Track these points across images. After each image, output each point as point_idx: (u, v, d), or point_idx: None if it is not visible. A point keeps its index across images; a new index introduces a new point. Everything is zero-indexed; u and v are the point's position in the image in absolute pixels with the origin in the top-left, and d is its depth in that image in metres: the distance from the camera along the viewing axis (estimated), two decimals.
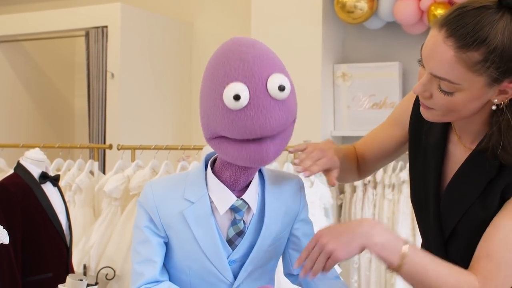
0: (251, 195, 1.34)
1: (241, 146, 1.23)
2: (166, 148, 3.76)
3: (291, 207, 1.39)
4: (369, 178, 3.74)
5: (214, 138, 1.26)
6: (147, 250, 1.34)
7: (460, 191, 1.42)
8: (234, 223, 1.34)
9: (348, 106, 4.09)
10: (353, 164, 1.71)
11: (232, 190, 1.33)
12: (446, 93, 1.29)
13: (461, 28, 1.23)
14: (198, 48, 5.29)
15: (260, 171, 1.39)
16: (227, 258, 1.35)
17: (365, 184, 3.84)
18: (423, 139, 1.52)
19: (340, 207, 4.05)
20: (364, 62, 4.16)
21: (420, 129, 1.54)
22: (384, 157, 1.72)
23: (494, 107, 1.32)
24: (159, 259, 1.34)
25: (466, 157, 1.42)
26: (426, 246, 1.55)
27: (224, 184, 1.33)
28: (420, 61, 1.35)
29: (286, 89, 1.20)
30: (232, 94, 1.17)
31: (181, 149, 3.76)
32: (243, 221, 1.34)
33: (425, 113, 1.39)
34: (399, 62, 4.01)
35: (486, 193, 1.37)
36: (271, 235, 1.36)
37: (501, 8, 1.23)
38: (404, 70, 4.08)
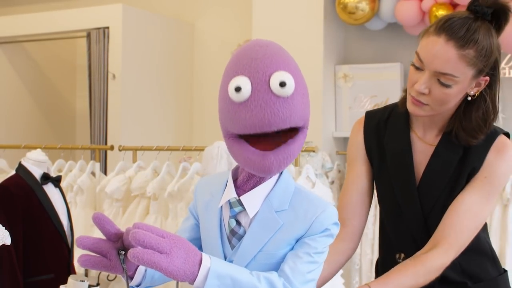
0: (252, 198, 1.34)
1: (247, 154, 1.26)
2: (167, 149, 3.76)
3: (294, 227, 1.31)
4: None
5: (228, 137, 1.30)
6: (183, 225, 1.48)
7: (435, 174, 1.74)
8: (230, 219, 1.36)
9: (350, 107, 4.09)
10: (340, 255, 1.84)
11: (243, 189, 1.35)
12: (446, 86, 1.62)
13: (457, 33, 1.61)
14: (199, 48, 5.29)
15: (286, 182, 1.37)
16: (225, 258, 1.36)
17: None
18: (386, 149, 1.80)
19: None
20: (365, 63, 4.16)
21: (379, 142, 1.82)
22: (366, 198, 1.88)
23: (469, 98, 1.69)
24: (187, 235, 1.46)
25: (434, 148, 1.75)
26: (396, 239, 1.82)
27: (238, 182, 1.36)
28: (413, 64, 1.67)
29: (287, 85, 1.21)
30: (234, 86, 1.23)
31: (183, 150, 3.77)
32: (236, 220, 1.34)
33: (416, 110, 1.69)
34: (400, 63, 4.01)
35: (457, 172, 1.72)
36: (255, 247, 1.32)
37: (477, 18, 1.64)
38: (405, 71, 4.07)
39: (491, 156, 1.71)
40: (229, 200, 1.34)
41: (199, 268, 1.20)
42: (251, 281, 1.22)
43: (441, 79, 1.61)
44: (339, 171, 4.08)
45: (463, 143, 1.71)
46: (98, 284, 2.11)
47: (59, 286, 2.04)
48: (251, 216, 1.33)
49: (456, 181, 1.72)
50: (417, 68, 1.66)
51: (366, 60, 4.20)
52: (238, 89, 1.22)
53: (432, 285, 1.71)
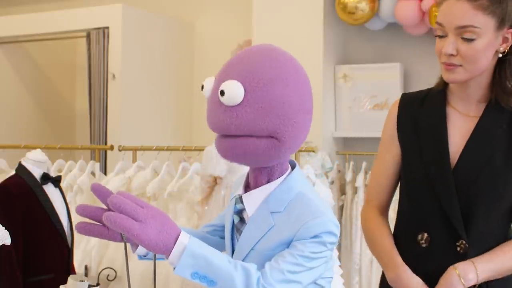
0: (252, 198, 1.37)
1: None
2: (167, 149, 3.76)
3: (284, 229, 1.31)
4: None
5: None
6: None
7: (478, 148, 1.72)
8: (234, 215, 1.41)
9: (350, 107, 4.09)
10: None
11: (250, 187, 1.40)
12: (471, 40, 1.66)
13: None
14: (199, 48, 5.29)
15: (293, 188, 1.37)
16: (233, 251, 1.41)
17: (366, 185, 3.84)
18: (420, 125, 1.80)
19: (341, 208, 4.05)
20: (365, 63, 4.16)
21: (414, 118, 1.82)
22: (392, 178, 1.94)
23: (500, 55, 1.71)
24: (218, 222, 1.57)
25: (477, 119, 1.75)
26: (419, 222, 1.78)
27: (249, 180, 1.41)
28: (436, 34, 1.73)
29: (226, 95, 1.26)
30: (202, 83, 1.34)
31: (182, 150, 3.77)
32: (240, 217, 1.39)
33: (451, 76, 1.72)
34: (400, 63, 4.01)
35: (500, 146, 1.71)
36: (248, 245, 1.35)
37: None
38: (405, 71, 4.08)
39: None
40: (235, 196, 1.40)
41: (175, 243, 1.20)
42: (227, 267, 1.22)
43: (464, 34, 1.66)
44: (339, 171, 4.08)
45: (505, 105, 1.73)
46: (98, 284, 2.11)
47: (59, 286, 2.04)
48: (249, 214, 1.36)
49: (498, 154, 1.71)
50: (441, 37, 1.72)
51: (366, 60, 4.20)
52: (202, 87, 1.33)
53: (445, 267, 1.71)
